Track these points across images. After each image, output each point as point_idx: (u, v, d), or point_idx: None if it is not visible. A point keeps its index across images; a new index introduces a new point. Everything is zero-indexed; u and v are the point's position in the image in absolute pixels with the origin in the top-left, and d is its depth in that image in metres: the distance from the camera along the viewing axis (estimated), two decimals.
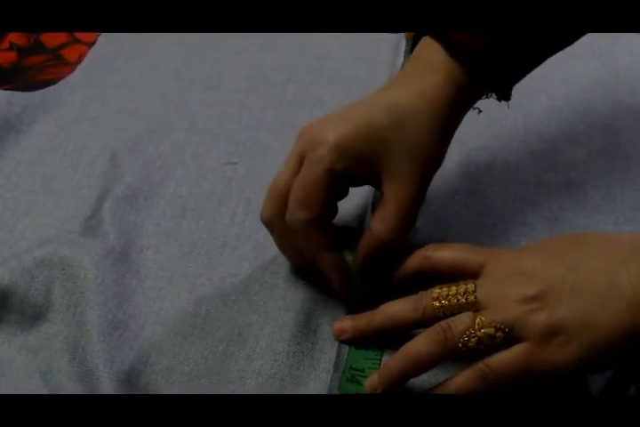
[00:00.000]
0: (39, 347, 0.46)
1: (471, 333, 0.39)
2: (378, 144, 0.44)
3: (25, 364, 0.46)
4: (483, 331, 0.39)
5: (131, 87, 0.65)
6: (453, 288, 0.42)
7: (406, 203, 0.44)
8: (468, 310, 0.41)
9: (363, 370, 0.44)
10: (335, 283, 0.46)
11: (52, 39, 0.69)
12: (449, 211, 0.53)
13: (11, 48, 0.68)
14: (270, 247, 0.49)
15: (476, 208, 0.53)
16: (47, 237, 0.52)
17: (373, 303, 0.45)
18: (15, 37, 0.69)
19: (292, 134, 0.46)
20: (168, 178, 0.57)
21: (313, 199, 0.44)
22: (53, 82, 0.65)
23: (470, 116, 0.47)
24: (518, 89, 0.47)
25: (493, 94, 0.47)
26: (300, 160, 0.44)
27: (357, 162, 0.44)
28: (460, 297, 0.41)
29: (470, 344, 0.39)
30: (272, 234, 0.47)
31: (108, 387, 0.43)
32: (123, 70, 0.66)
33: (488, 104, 0.47)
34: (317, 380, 0.44)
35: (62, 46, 0.69)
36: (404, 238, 0.45)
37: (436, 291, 0.42)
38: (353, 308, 0.46)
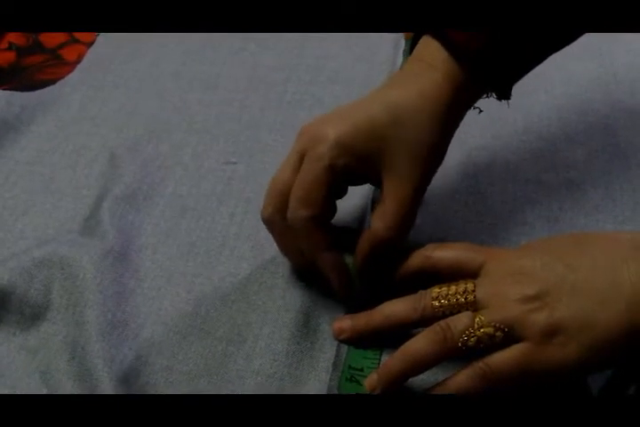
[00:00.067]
0: (38, 347, 0.46)
1: (470, 332, 0.39)
2: (378, 142, 0.44)
3: (24, 364, 0.45)
4: (482, 330, 0.39)
5: (130, 87, 0.65)
6: (453, 288, 0.42)
7: (406, 201, 0.44)
8: (468, 309, 0.41)
9: (362, 369, 0.44)
10: (334, 283, 0.46)
11: (50, 39, 0.69)
12: (449, 210, 0.53)
13: (10, 48, 0.68)
14: (269, 247, 0.49)
15: (475, 207, 0.53)
16: (46, 236, 0.52)
17: (373, 303, 0.45)
18: (14, 37, 0.69)
19: (291, 134, 0.46)
20: (167, 178, 0.57)
21: (314, 197, 0.43)
22: (52, 82, 0.65)
23: (470, 115, 0.47)
24: (518, 88, 0.47)
25: (493, 94, 0.47)
26: (300, 158, 0.44)
27: (358, 159, 0.44)
28: (459, 297, 0.41)
29: (470, 344, 0.39)
30: (272, 233, 0.47)
31: (107, 386, 0.43)
32: (122, 70, 0.66)
33: (488, 103, 0.47)
34: (317, 379, 0.44)
35: (61, 46, 0.69)
36: (404, 237, 0.45)
37: (436, 290, 0.42)
38: (352, 307, 0.46)
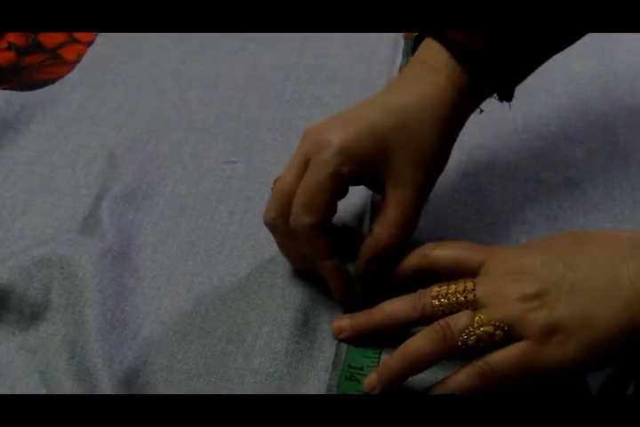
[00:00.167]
0: (38, 346, 0.46)
1: (470, 331, 0.39)
2: (382, 147, 0.44)
3: (24, 363, 0.45)
4: (482, 329, 0.39)
5: (129, 86, 0.65)
6: (452, 286, 0.42)
7: (409, 207, 0.44)
8: (468, 308, 0.41)
9: (361, 368, 0.44)
10: (334, 289, 0.46)
11: (50, 39, 0.69)
12: (448, 209, 0.53)
13: (9, 48, 0.68)
14: (269, 246, 0.49)
15: (475, 206, 0.53)
16: (45, 236, 0.52)
17: (372, 302, 0.45)
18: (13, 37, 0.69)
19: (290, 133, 0.46)
20: (167, 177, 0.57)
21: (317, 203, 0.43)
22: (52, 81, 0.65)
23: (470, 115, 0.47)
24: (518, 87, 0.47)
25: (495, 95, 0.47)
26: (305, 162, 0.44)
27: (362, 165, 0.44)
28: (459, 295, 0.41)
29: (469, 343, 0.39)
30: (275, 236, 0.47)
31: (106, 386, 0.43)
32: (121, 70, 0.66)
33: (488, 103, 0.47)
34: (316, 378, 0.44)
35: (60, 46, 0.69)
36: (406, 242, 0.45)
37: (435, 289, 0.42)
38: (352, 306, 0.46)
